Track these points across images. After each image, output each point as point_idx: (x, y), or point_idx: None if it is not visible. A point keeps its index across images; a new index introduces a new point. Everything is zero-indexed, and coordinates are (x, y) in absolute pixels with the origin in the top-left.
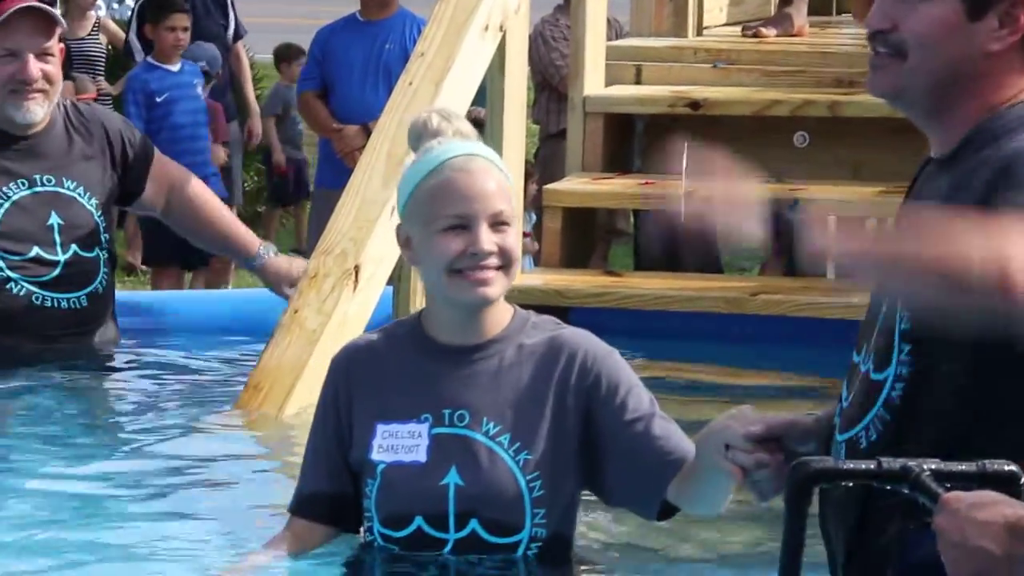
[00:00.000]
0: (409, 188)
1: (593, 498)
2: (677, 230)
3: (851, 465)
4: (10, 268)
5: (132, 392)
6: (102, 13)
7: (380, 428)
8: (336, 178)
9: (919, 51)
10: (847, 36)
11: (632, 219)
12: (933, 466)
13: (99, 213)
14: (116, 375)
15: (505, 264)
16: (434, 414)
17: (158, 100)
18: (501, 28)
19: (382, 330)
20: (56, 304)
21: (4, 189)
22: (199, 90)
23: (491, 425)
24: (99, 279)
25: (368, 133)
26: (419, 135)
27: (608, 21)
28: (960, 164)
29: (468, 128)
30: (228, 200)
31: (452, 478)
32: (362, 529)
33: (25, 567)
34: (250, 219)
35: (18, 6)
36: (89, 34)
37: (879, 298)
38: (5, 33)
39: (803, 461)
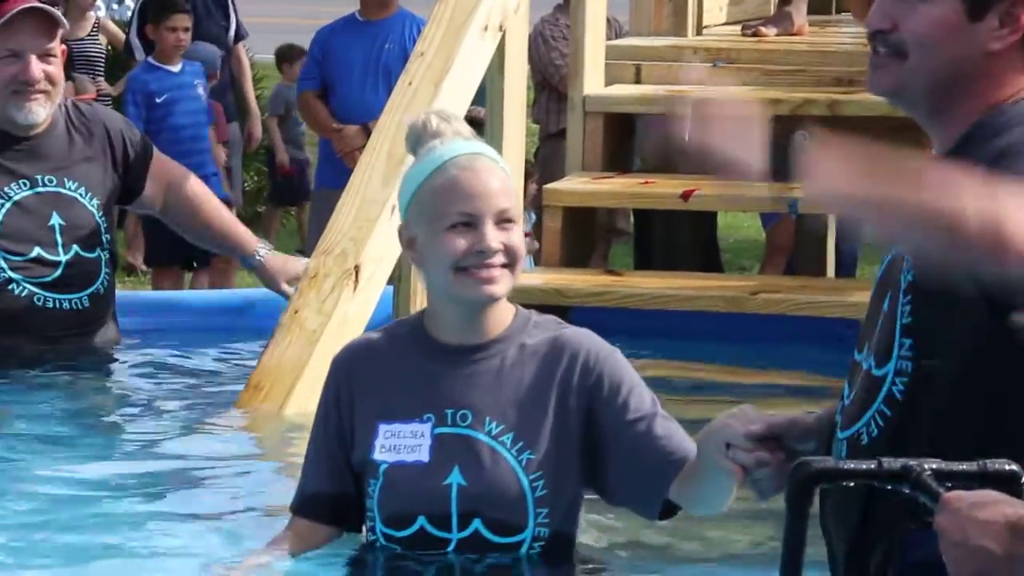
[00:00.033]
0: (412, 188)
1: (596, 497)
2: (676, 137)
3: (852, 465)
4: (12, 269)
5: (133, 392)
6: (102, 14)
7: (382, 428)
8: (336, 178)
9: (919, 51)
10: (847, 35)
11: (632, 218)
12: (934, 466)
13: (100, 214)
14: (117, 375)
15: (510, 262)
16: (436, 414)
17: (158, 101)
18: (500, 28)
19: (383, 330)
20: (58, 305)
21: (5, 189)
22: (200, 91)
23: (493, 425)
24: (100, 280)
25: (368, 133)
26: (418, 137)
27: (608, 20)
28: (960, 159)
29: (467, 130)
30: (228, 200)
31: (455, 478)
32: (364, 528)
33: (26, 568)
34: (250, 219)
35: (21, 7)
36: (89, 35)
37: (880, 296)
38: (8, 34)
39: (804, 461)
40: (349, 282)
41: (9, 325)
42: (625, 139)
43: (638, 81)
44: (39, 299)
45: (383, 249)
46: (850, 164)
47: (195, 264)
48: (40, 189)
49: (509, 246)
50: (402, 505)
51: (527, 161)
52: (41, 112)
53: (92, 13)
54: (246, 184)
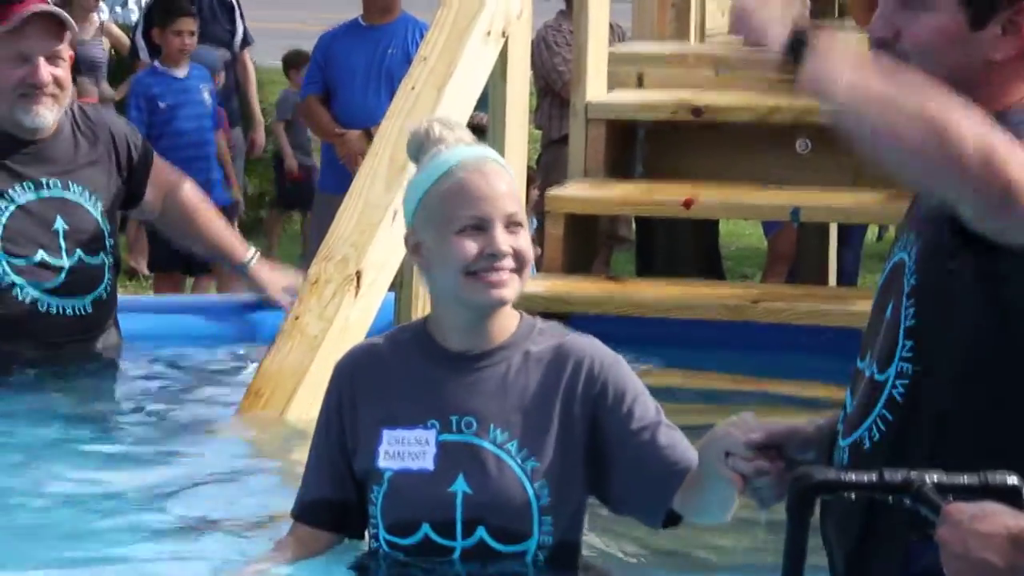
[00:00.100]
0: (419, 193)
1: (600, 505)
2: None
3: (853, 476)
4: (15, 272)
5: (134, 398)
6: (105, 17)
7: (386, 434)
8: (339, 183)
9: (921, 60)
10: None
11: (634, 226)
12: (935, 478)
13: (104, 218)
14: (118, 381)
15: (519, 266)
16: (441, 421)
17: (161, 105)
18: (503, 33)
19: (386, 336)
20: (61, 311)
21: (10, 192)
22: (205, 95)
23: (498, 432)
24: (103, 285)
25: (370, 138)
26: (420, 144)
27: (611, 26)
28: None
29: (469, 137)
30: (232, 206)
31: (460, 485)
32: (367, 535)
33: (27, 572)
34: (252, 225)
35: (30, 10)
36: (92, 38)
37: (882, 304)
38: (17, 37)
39: (805, 471)
40: (351, 288)
41: (12, 330)
42: (627, 145)
43: (641, 87)
44: (42, 305)
45: (385, 255)
46: (862, 60)
47: (196, 269)
48: (44, 193)
49: (518, 250)
50: (406, 512)
51: (529, 167)
52: (48, 116)
53: (95, 16)
54: (248, 189)
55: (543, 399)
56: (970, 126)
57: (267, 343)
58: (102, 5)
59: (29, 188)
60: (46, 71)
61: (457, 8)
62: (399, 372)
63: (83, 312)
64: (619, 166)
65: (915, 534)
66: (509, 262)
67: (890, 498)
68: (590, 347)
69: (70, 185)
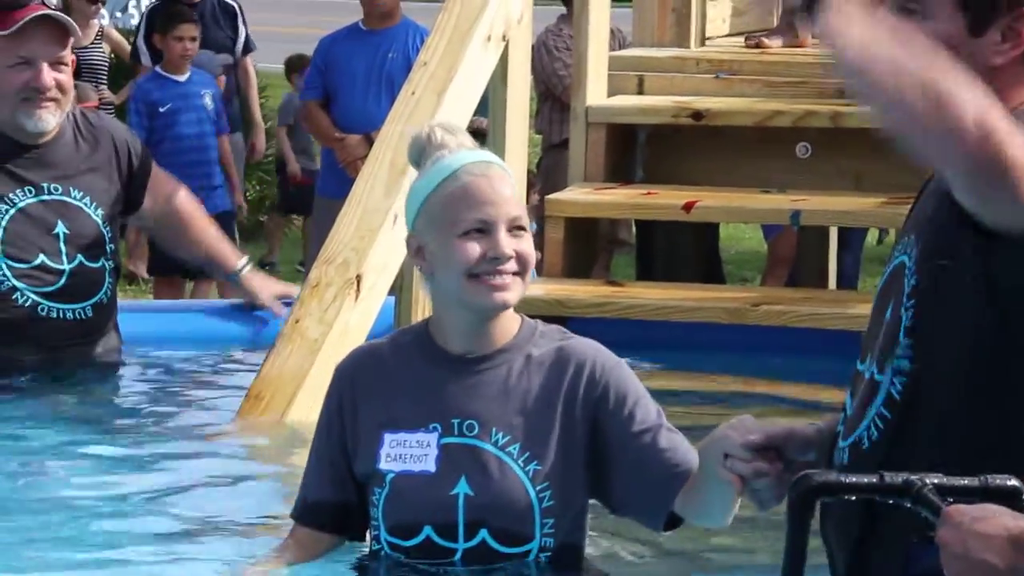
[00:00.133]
0: (421, 197)
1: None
2: None
3: (853, 479)
4: (16, 277)
5: (134, 402)
6: (105, 22)
7: (388, 437)
8: (339, 187)
9: None
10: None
11: (634, 229)
12: (935, 480)
13: (105, 223)
14: (118, 385)
15: (521, 269)
16: (443, 424)
17: (161, 110)
18: (504, 38)
19: (387, 338)
20: (61, 315)
21: (10, 196)
22: (207, 101)
23: (500, 435)
24: (104, 289)
25: (370, 142)
26: (422, 149)
27: (611, 31)
28: None
29: (471, 142)
30: (232, 212)
31: (462, 488)
32: (368, 537)
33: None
34: (251, 229)
35: (33, 14)
36: (92, 43)
37: (882, 306)
38: (20, 41)
39: (805, 474)
40: (351, 291)
41: (12, 334)
42: (628, 150)
43: (641, 92)
44: (42, 309)
45: (385, 259)
46: (875, 18)
47: (195, 273)
48: (45, 197)
49: (520, 253)
50: (408, 515)
51: (529, 171)
52: (51, 120)
53: (96, 21)
54: (248, 194)
55: (545, 402)
56: (972, 99)
57: (267, 347)
58: (102, 10)
59: (30, 192)
60: (49, 76)
61: (458, 13)
62: (400, 375)
63: (83, 316)
64: (619, 170)
65: (915, 536)
66: (512, 265)
67: (890, 500)
68: (591, 350)
69: (71, 190)
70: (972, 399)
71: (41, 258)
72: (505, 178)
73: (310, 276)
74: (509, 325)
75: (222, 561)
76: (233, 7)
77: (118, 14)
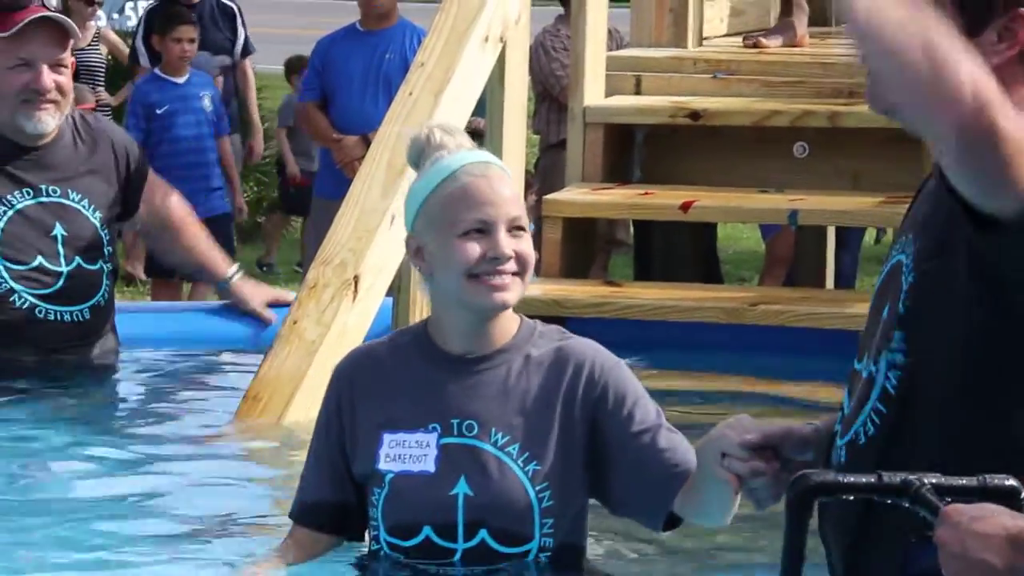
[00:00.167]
0: (421, 197)
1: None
2: None
3: (851, 479)
4: (13, 278)
5: (131, 403)
6: (102, 24)
7: (387, 437)
8: (337, 188)
9: None
10: (847, 47)
11: (632, 229)
12: (934, 480)
13: (103, 226)
14: (116, 387)
15: (521, 270)
16: (442, 424)
17: (158, 112)
18: (501, 39)
19: (385, 339)
20: (59, 317)
21: (8, 197)
22: (206, 102)
23: (499, 435)
24: (101, 292)
25: (368, 143)
26: (421, 150)
27: (608, 31)
28: None
29: (469, 143)
30: (230, 214)
31: (461, 488)
32: (368, 536)
33: None
34: (249, 230)
35: (33, 16)
36: (89, 45)
37: (879, 306)
38: (20, 43)
39: (804, 474)
40: (348, 292)
41: (9, 336)
42: (625, 150)
43: (638, 92)
44: (40, 311)
45: (382, 259)
46: None
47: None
48: (43, 199)
49: (520, 253)
50: (408, 515)
51: (527, 172)
52: (50, 122)
53: (92, 23)
54: (246, 195)
55: (544, 402)
56: (971, 70)
57: (265, 348)
58: (99, 12)
59: (28, 194)
60: (49, 77)
61: (455, 13)
62: (399, 374)
63: (81, 318)
64: (617, 170)
65: (913, 535)
66: (511, 265)
67: (889, 500)
68: (591, 350)
69: (69, 192)
70: (966, 392)
71: (39, 260)
72: (504, 178)
73: (308, 277)
74: (508, 325)
75: (221, 561)
76: (232, 9)
77: (115, 15)
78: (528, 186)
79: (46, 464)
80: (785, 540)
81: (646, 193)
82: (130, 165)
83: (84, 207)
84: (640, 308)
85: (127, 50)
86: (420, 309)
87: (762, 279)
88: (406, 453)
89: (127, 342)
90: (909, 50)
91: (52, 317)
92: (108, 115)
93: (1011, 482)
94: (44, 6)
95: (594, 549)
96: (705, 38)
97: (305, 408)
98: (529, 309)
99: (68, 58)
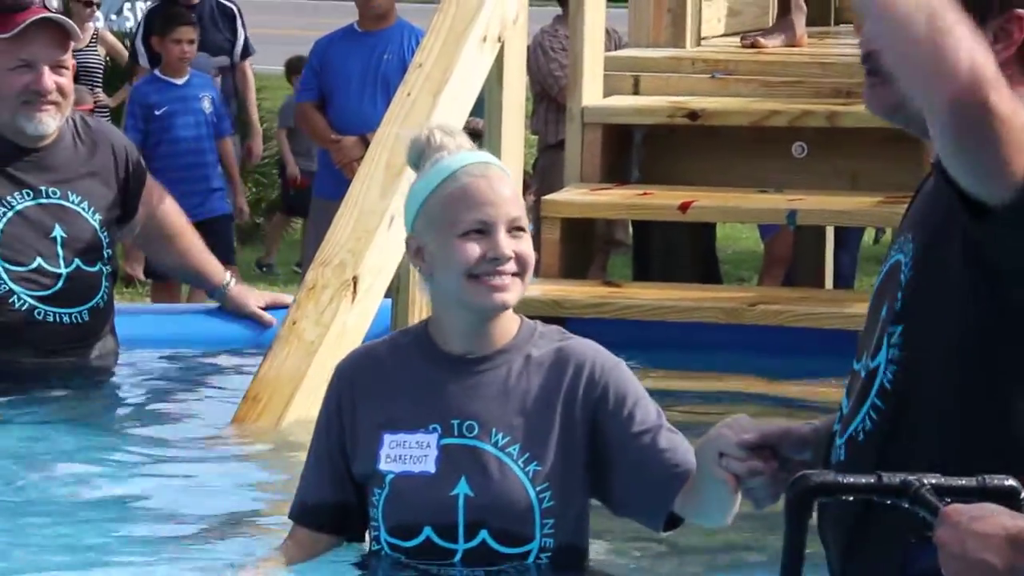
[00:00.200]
0: (421, 198)
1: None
2: None
3: (851, 479)
4: (12, 280)
5: (130, 405)
6: (100, 25)
7: (387, 438)
8: (336, 189)
9: None
10: (846, 46)
11: (630, 230)
12: (933, 480)
13: (102, 228)
14: (115, 389)
15: (521, 270)
16: (442, 424)
17: (157, 113)
18: (499, 39)
19: (386, 339)
20: (58, 319)
21: (8, 198)
22: (205, 103)
23: (500, 436)
24: (101, 294)
25: (366, 144)
26: (421, 151)
27: (607, 32)
28: None
29: (469, 143)
30: (230, 215)
31: (462, 488)
32: (368, 537)
33: None
34: (249, 231)
35: (34, 17)
36: (87, 46)
37: (878, 305)
38: (21, 44)
39: (803, 474)
40: (347, 293)
41: (8, 338)
42: (624, 150)
43: (637, 92)
44: (39, 313)
45: (381, 260)
46: None
47: None
48: (43, 200)
49: (520, 254)
50: (408, 515)
51: (525, 172)
52: (51, 123)
53: (91, 24)
54: (246, 196)
55: (544, 403)
56: (971, 46)
57: (264, 349)
58: (97, 13)
59: (28, 195)
60: (50, 79)
61: (453, 14)
62: (399, 375)
63: (80, 320)
64: (615, 170)
65: (913, 536)
66: (511, 266)
67: (888, 500)
68: (591, 351)
69: (69, 194)
70: (963, 389)
71: (38, 261)
72: (504, 179)
73: (307, 278)
74: (508, 326)
75: (221, 562)
76: (232, 10)
77: (113, 17)
78: (526, 186)
79: (46, 465)
80: (785, 540)
81: (645, 193)
82: (129, 168)
83: (84, 209)
84: (639, 308)
85: (125, 51)
86: (419, 309)
87: (761, 279)
88: (407, 454)
89: (126, 344)
90: (914, 20)
91: (51, 319)
92: (106, 116)
93: (1010, 482)
94: (45, 7)
95: (595, 550)
96: (703, 38)
97: (305, 409)
98: (528, 309)
99: (69, 59)
